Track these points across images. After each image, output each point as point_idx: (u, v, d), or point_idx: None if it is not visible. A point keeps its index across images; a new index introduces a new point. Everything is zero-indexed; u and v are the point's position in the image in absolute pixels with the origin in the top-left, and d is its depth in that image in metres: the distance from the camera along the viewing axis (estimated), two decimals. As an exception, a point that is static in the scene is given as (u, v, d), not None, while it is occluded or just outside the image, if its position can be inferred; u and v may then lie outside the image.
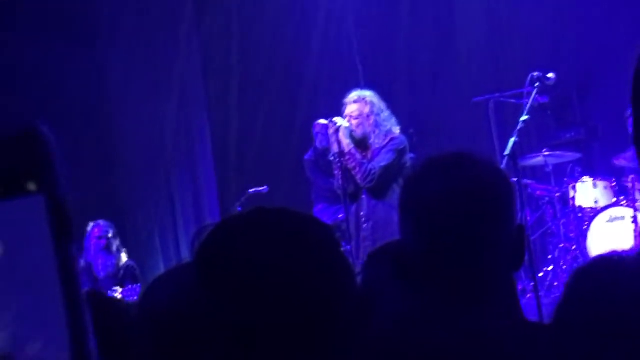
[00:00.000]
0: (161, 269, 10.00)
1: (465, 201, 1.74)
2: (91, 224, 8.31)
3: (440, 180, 1.77)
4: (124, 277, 8.27)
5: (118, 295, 7.95)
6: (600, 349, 1.74)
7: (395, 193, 6.14)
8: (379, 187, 6.19)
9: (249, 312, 1.44)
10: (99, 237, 8.26)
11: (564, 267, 8.37)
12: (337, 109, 6.59)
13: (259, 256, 1.46)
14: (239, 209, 8.53)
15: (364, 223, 6.23)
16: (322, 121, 6.43)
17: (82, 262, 8.29)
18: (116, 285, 8.14)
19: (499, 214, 1.77)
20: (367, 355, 1.68)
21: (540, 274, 8.12)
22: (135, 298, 8.01)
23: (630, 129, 8.95)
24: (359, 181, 6.21)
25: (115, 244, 8.33)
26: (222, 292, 1.44)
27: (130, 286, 8.05)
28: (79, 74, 9.53)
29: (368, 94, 6.45)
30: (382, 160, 6.17)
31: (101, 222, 8.32)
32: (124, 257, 8.39)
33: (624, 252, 2.11)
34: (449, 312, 1.76)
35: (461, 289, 1.76)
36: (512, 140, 5.87)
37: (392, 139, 6.26)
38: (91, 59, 9.75)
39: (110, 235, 8.29)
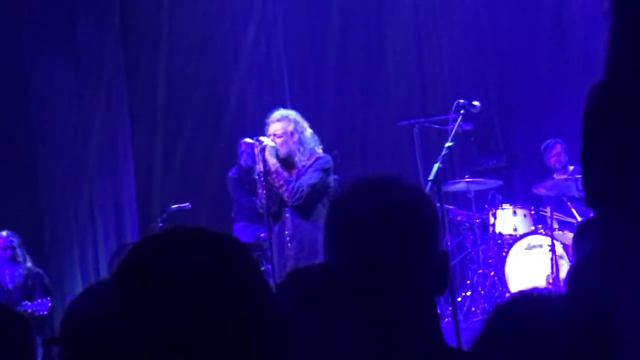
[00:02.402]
0: (78, 282, 9.86)
1: (391, 225, 1.74)
2: None
3: (366, 202, 1.76)
4: (32, 286, 8.13)
5: (28, 310, 7.80)
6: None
7: (319, 212, 6.15)
8: (305, 206, 6.18)
9: (167, 328, 1.43)
10: (4, 248, 8.15)
11: (482, 292, 8.46)
12: (262, 128, 6.57)
13: (177, 273, 1.46)
14: (160, 224, 8.46)
15: (289, 242, 6.21)
16: (248, 140, 6.41)
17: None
18: (25, 296, 7.99)
19: (425, 239, 1.78)
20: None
21: (459, 299, 8.19)
22: (46, 312, 7.88)
23: (551, 160, 9.14)
24: (286, 199, 6.20)
25: (21, 253, 8.22)
26: (140, 308, 1.43)
27: (40, 300, 7.91)
28: (1, 78, 9.38)
29: (291, 112, 6.47)
30: (310, 179, 6.18)
31: (4, 232, 8.21)
32: (30, 265, 8.25)
33: (543, 289, 2.15)
34: (370, 335, 1.75)
35: (383, 312, 1.75)
36: (436, 165, 5.93)
37: (317, 158, 6.27)
38: (15, 67, 9.59)
39: (15, 244, 8.17)
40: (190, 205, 8.66)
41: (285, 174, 6.21)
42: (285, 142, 6.28)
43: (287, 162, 6.29)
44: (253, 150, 6.40)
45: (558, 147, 9.12)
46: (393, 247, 1.73)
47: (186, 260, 1.46)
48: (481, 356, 1.99)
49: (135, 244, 1.54)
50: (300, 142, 6.28)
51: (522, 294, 2.16)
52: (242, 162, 6.80)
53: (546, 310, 2.03)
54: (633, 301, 1.24)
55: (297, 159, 6.28)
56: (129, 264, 1.49)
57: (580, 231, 3.26)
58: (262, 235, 7.33)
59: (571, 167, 8.99)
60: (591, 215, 7.80)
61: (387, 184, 1.80)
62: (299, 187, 6.14)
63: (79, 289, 9.61)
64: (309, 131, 6.35)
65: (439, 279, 1.80)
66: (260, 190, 6.36)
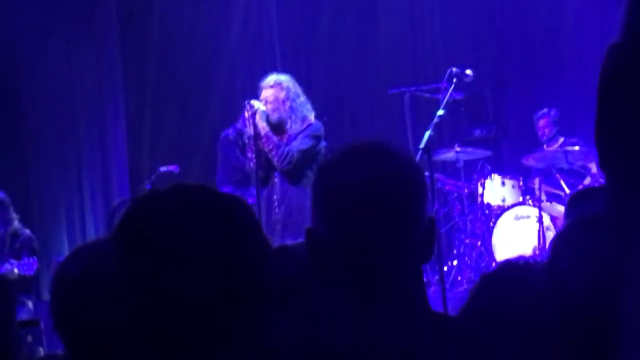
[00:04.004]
0: (64, 243, 9.84)
1: (379, 191, 1.73)
2: None
3: (355, 168, 1.75)
4: (20, 248, 8.10)
5: (15, 270, 7.79)
6: (500, 346, 1.76)
7: (308, 179, 6.14)
8: (294, 172, 6.17)
9: (167, 286, 1.42)
10: None
11: (469, 262, 8.50)
12: (254, 91, 6.54)
13: (179, 231, 1.44)
14: (148, 186, 8.44)
15: (277, 207, 6.21)
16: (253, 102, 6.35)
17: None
18: (12, 255, 7.97)
19: (412, 206, 1.77)
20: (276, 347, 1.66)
21: (445, 268, 8.21)
22: (32, 272, 7.87)
23: (539, 132, 9.14)
24: (275, 164, 6.18)
25: (11, 212, 8.17)
26: (141, 265, 1.42)
27: (27, 259, 7.90)
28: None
29: (284, 78, 6.42)
30: (300, 145, 6.16)
31: None
32: (17, 226, 8.21)
33: (530, 257, 2.16)
34: (355, 302, 1.74)
35: (370, 278, 1.74)
36: (428, 133, 5.91)
37: (309, 125, 6.25)
38: (3, 30, 9.51)
39: (5, 203, 8.13)
40: (178, 168, 8.64)
41: (275, 138, 6.19)
42: (276, 109, 6.25)
43: (278, 128, 6.26)
44: (243, 114, 6.38)
45: (545, 120, 9.11)
46: (380, 212, 1.72)
47: (188, 217, 1.44)
48: (467, 324, 2.00)
49: (134, 201, 1.52)
50: (292, 109, 6.25)
51: (508, 263, 2.17)
52: (239, 124, 6.77)
53: (532, 278, 2.04)
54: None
55: (288, 126, 6.26)
56: (128, 222, 1.47)
57: (572, 202, 3.26)
58: (249, 199, 7.32)
59: (561, 139, 9.00)
60: (582, 187, 7.84)
61: (376, 150, 1.79)
62: (288, 152, 6.13)
63: (65, 250, 9.62)
64: (302, 98, 6.32)
65: (425, 246, 1.79)
66: (249, 154, 6.34)
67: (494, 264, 8.20)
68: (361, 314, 1.72)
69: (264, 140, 6.20)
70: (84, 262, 1.89)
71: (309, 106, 6.37)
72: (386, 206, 1.72)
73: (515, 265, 2.14)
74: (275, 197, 6.24)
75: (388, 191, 1.73)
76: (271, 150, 6.17)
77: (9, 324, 2.30)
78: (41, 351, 7.58)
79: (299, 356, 1.68)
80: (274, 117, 6.26)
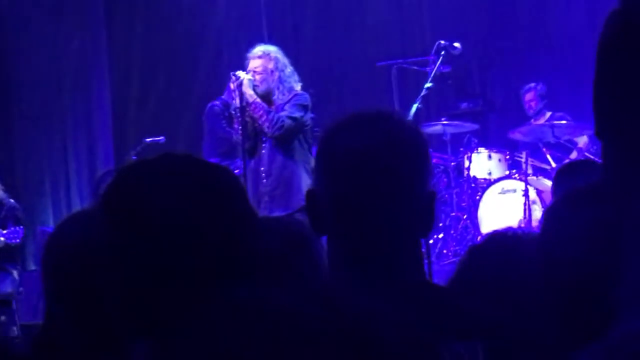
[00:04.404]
0: (49, 213, 9.82)
1: (381, 156, 1.73)
2: None
3: (359, 133, 1.75)
4: (5, 217, 8.07)
5: (1, 239, 7.77)
6: (489, 315, 1.76)
7: (296, 149, 6.13)
8: (283, 141, 6.14)
9: (153, 252, 1.44)
10: None
11: (455, 235, 8.51)
12: (240, 62, 6.51)
13: (165, 198, 1.46)
14: (134, 157, 8.41)
15: (264, 178, 6.19)
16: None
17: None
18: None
19: (413, 174, 1.77)
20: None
21: (431, 241, 8.22)
22: (18, 241, 7.85)
23: (525, 106, 9.14)
24: (266, 130, 6.13)
25: None
26: (129, 233, 1.43)
27: (12, 228, 7.87)
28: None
29: (272, 49, 6.39)
30: (289, 113, 6.13)
31: None
32: (1, 195, 8.18)
33: (517, 228, 2.17)
34: (351, 269, 1.74)
35: (365, 243, 1.74)
36: (415, 106, 5.91)
37: (295, 95, 6.22)
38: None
39: None
40: (164, 139, 8.62)
41: (264, 104, 6.17)
42: (264, 80, 6.22)
43: (265, 99, 6.23)
44: (229, 85, 6.36)
45: (532, 93, 9.12)
46: (379, 177, 1.73)
47: (176, 185, 1.46)
48: (458, 293, 2.01)
49: (121, 169, 1.52)
50: (280, 80, 6.22)
51: (497, 233, 2.18)
52: (225, 96, 6.74)
53: (520, 248, 2.05)
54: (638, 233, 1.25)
55: (275, 96, 6.23)
56: (115, 189, 1.47)
57: (560, 175, 3.27)
58: (235, 171, 7.29)
59: (548, 113, 9.01)
60: (568, 160, 7.86)
61: (382, 117, 1.79)
62: (279, 118, 6.09)
63: (50, 220, 9.60)
64: (289, 69, 6.29)
65: (424, 218, 1.79)
66: (236, 126, 6.32)
67: (479, 238, 8.22)
68: (352, 280, 1.72)
69: (252, 107, 6.16)
70: (77, 228, 1.90)
71: (296, 77, 6.35)
72: (386, 171, 1.72)
73: (503, 235, 2.15)
74: (262, 168, 6.22)
75: (389, 157, 1.73)
76: (261, 116, 6.13)
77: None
78: (15, 331, 7.58)
79: (280, 328, 1.67)
80: (262, 87, 6.23)
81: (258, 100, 6.17)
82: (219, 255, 1.45)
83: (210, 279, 1.44)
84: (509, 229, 2.19)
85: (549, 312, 1.79)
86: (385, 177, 1.72)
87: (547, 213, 1.90)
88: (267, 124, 6.11)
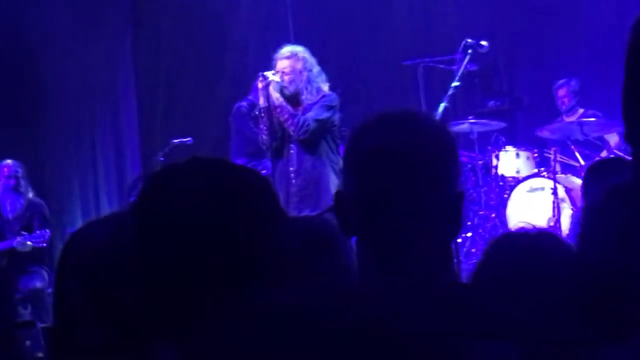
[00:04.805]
0: (78, 215, 9.88)
1: (412, 156, 1.72)
2: (1, 164, 8.18)
3: (387, 132, 1.75)
4: (31, 216, 8.12)
5: (28, 242, 7.81)
6: (522, 314, 1.75)
7: (324, 149, 6.13)
8: (310, 142, 6.14)
9: (185, 256, 1.45)
10: (8, 177, 8.14)
11: (483, 234, 8.47)
12: (267, 63, 6.51)
13: (196, 202, 1.47)
14: (162, 159, 8.44)
15: (293, 179, 6.19)
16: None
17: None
18: (24, 227, 7.99)
19: (441, 174, 1.76)
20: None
21: (459, 240, 8.19)
22: (45, 244, 7.90)
23: (558, 102, 9.07)
24: (292, 133, 6.15)
25: (24, 184, 8.20)
26: (159, 236, 1.43)
27: (39, 231, 7.91)
28: (4, 10, 9.31)
29: (300, 49, 6.40)
30: (316, 115, 6.14)
31: (9, 161, 8.20)
32: (30, 197, 8.25)
33: (538, 226, 2.17)
34: (380, 268, 1.73)
35: (393, 243, 1.73)
36: (443, 105, 5.89)
37: (324, 96, 6.23)
38: (18, 5, 9.50)
39: (19, 174, 8.16)
40: (192, 140, 8.64)
41: (289, 107, 6.17)
42: (293, 80, 6.23)
43: (293, 99, 6.24)
44: (257, 86, 6.37)
45: (565, 89, 9.04)
46: (407, 177, 1.71)
47: (203, 191, 1.46)
48: (487, 294, 1.99)
49: (153, 174, 1.53)
50: (309, 80, 6.23)
51: (516, 230, 2.18)
52: (252, 96, 6.75)
53: (537, 245, 2.05)
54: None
55: (304, 97, 6.24)
56: (147, 194, 1.48)
57: (591, 173, 3.24)
58: (263, 171, 7.30)
59: (581, 110, 8.92)
60: (598, 158, 7.79)
61: (412, 117, 1.79)
62: (305, 121, 6.10)
63: (79, 222, 9.65)
64: (316, 68, 6.30)
65: (453, 219, 1.77)
66: (262, 126, 6.33)
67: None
68: (382, 280, 1.71)
69: (278, 110, 6.18)
70: (106, 230, 1.90)
71: (323, 77, 6.35)
72: (414, 171, 1.71)
73: (523, 232, 2.16)
74: (291, 169, 6.22)
75: (417, 156, 1.72)
76: (287, 119, 6.15)
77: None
78: (40, 356, 7.63)
79: (302, 329, 1.67)
80: (291, 88, 6.24)
81: (284, 103, 6.18)
82: (249, 258, 1.46)
83: (240, 281, 1.45)
84: (528, 226, 2.19)
85: (582, 310, 1.78)
86: (414, 177, 1.71)
87: (587, 211, 1.89)
88: (292, 127, 6.12)
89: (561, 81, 9.08)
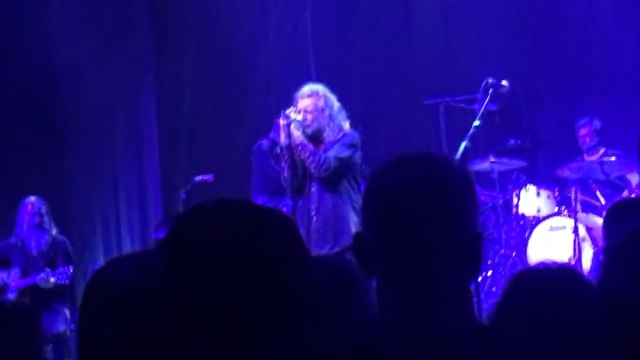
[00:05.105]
0: (100, 252, 9.91)
1: (431, 197, 1.74)
2: (25, 200, 8.24)
3: (405, 173, 1.77)
4: (55, 253, 8.17)
5: (51, 279, 7.84)
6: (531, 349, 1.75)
7: (345, 188, 6.16)
8: (331, 180, 6.17)
9: (210, 294, 1.46)
10: (32, 214, 8.17)
11: (503, 273, 8.45)
12: (288, 102, 6.56)
13: (223, 243, 1.48)
14: (184, 196, 8.48)
15: (314, 216, 6.21)
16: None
17: (14, 240, 8.20)
18: (48, 263, 8.04)
19: (462, 215, 1.77)
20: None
21: (479, 279, 8.17)
22: (67, 281, 7.93)
23: (579, 140, 9.05)
24: (313, 171, 6.19)
25: (48, 220, 8.26)
26: (187, 276, 1.45)
27: (62, 268, 7.96)
28: (29, 45, 9.41)
29: (320, 87, 6.45)
30: (338, 153, 6.17)
31: (33, 198, 8.24)
32: (54, 234, 8.30)
33: (559, 262, 2.16)
34: (400, 308, 1.75)
35: (412, 284, 1.74)
36: (464, 144, 5.91)
37: (345, 135, 6.27)
38: (42, 37, 9.60)
39: (43, 211, 8.21)
40: (213, 177, 8.67)
41: (310, 145, 6.21)
42: (315, 118, 6.27)
43: (315, 137, 6.28)
44: (278, 124, 6.40)
45: (587, 128, 9.02)
46: (425, 218, 1.73)
47: (229, 232, 1.48)
48: (499, 321, 2.00)
49: (181, 215, 1.56)
50: (331, 117, 6.27)
51: (536, 266, 2.18)
52: (274, 134, 6.79)
53: (558, 281, 2.05)
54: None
55: (325, 134, 6.28)
56: (176, 234, 1.51)
57: (612, 213, 3.24)
58: (283, 209, 7.32)
59: (602, 149, 8.89)
60: (619, 198, 7.77)
61: (428, 158, 1.80)
62: (325, 159, 6.14)
63: (101, 259, 9.69)
64: (337, 105, 6.34)
65: (472, 260, 1.78)
66: (283, 164, 6.36)
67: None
68: (401, 321, 1.72)
69: (299, 148, 6.22)
70: (131, 268, 1.92)
71: (344, 114, 6.40)
72: (432, 212, 1.73)
73: (544, 268, 2.16)
74: (312, 206, 6.25)
75: (435, 197, 1.73)
76: (307, 157, 6.18)
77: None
78: None
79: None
80: (314, 125, 6.28)
81: (305, 141, 6.22)
82: (276, 299, 1.47)
83: (267, 322, 1.46)
84: (549, 262, 2.19)
85: (605, 347, 1.78)
86: (432, 218, 1.73)
87: (611, 252, 1.90)
88: (314, 165, 6.15)
89: (583, 120, 9.06)
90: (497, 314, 2.14)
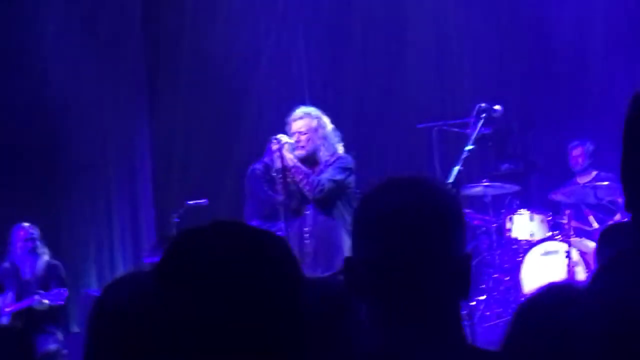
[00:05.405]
0: (93, 276, 9.89)
1: (414, 221, 1.75)
2: (17, 226, 8.26)
3: (393, 198, 1.78)
4: (49, 277, 8.18)
5: (45, 301, 7.85)
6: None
7: (339, 211, 6.17)
8: (325, 203, 6.18)
9: (207, 317, 1.46)
10: (25, 240, 8.19)
11: (497, 297, 8.45)
12: (282, 126, 6.58)
13: (219, 265, 1.48)
14: (177, 220, 8.48)
15: (307, 239, 6.22)
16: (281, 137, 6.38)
17: (8, 265, 8.21)
18: (41, 286, 8.04)
19: (447, 239, 1.78)
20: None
21: (473, 303, 8.17)
22: (62, 302, 7.93)
23: (571, 162, 9.08)
24: (307, 193, 6.20)
25: (40, 245, 8.28)
26: (182, 296, 1.46)
27: (56, 290, 7.96)
28: (23, 72, 9.43)
29: (312, 109, 6.49)
30: (331, 176, 6.18)
31: (26, 224, 8.27)
32: (46, 259, 8.31)
33: (575, 282, 2.15)
34: (389, 331, 1.76)
35: (403, 308, 1.76)
36: (457, 168, 5.92)
37: (339, 158, 6.28)
38: (36, 65, 9.63)
39: (35, 236, 8.25)
40: (207, 202, 8.68)
41: (304, 168, 6.22)
42: (310, 139, 6.29)
43: (310, 159, 6.29)
44: (271, 148, 6.42)
45: (579, 150, 9.06)
46: (413, 242, 1.74)
47: (225, 255, 1.48)
48: (512, 349, 1.98)
49: (176, 237, 1.56)
50: (325, 137, 6.29)
51: (552, 287, 2.16)
52: (267, 159, 6.81)
53: (577, 302, 2.03)
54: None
55: (321, 154, 6.29)
56: (171, 256, 1.51)
57: (604, 237, 3.25)
58: (277, 232, 7.30)
59: (594, 172, 8.93)
60: (612, 222, 7.79)
61: (415, 183, 1.82)
62: (319, 181, 6.15)
63: (94, 283, 9.67)
64: (330, 126, 6.37)
65: (461, 282, 1.80)
66: (278, 187, 6.37)
67: (522, 300, 8.15)
68: (392, 344, 1.73)
69: (293, 171, 6.23)
70: (128, 290, 1.93)
71: (337, 135, 6.42)
72: (418, 236, 1.74)
73: (560, 288, 2.12)
74: (306, 229, 6.25)
75: (422, 222, 1.75)
76: (301, 180, 6.19)
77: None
78: None
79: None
80: (309, 146, 6.28)
81: (298, 164, 6.23)
82: (273, 321, 1.47)
83: (265, 347, 1.46)
84: (565, 281, 2.17)
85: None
86: (417, 242, 1.74)
87: (596, 275, 1.89)
88: (307, 187, 6.16)
89: (576, 142, 9.10)
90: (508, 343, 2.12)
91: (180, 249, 1.51)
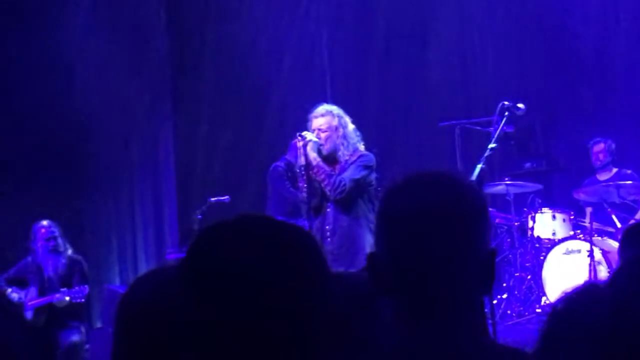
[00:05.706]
0: (116, 272, 9.94)
1: (443, 217, 1.75)
2: (37, 225, 8.27)
3: (417, 194, 1.78)
4: (72, 274, 8.20)
5: (66, 297, 7.89)
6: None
7: (360, 209, 6.16)
8: (346, 201, 6.18)
9: (233, 311, 1.45)
10: (47, 239, 8.20)
11: (518, 295, 8.43)
12: (304, 124, 6.58)
13: (245, 259, 1.47)
14: (199, 217, 8.49)
15: (329, 237, 6.22)
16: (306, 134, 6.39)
17: (31, 260, 8.24)
18: (64, 283, 8.08)
19: (472, 234, 1.78)
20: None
21: (494, 302, 8.15)
22: (83, 300, 7.97)
23: (592, 157, 9.05)
24: (328, 193, 6.20)
25: (62, 243, 8.29)
26: (208, 291, 1.45)
27: (77, 287, 7.99)
28: (49, 71, 9.49)
29: (334, 107, 6.47)
30: (353, 175, 6.18)
31: (45, 222, 8.26)
32: (70, 254, 8.34)
33: (600, 281, 2.13)
34: (414, 328, 1.76)
35: (428, 305, 1.76)
36: (479, 166, 5.90)
37: (360, 156, 6.27)
38: (60, 60, 9.67)
39: (56, 234, 8.25)
40: (229, 199, 8.69)
41: (326, 167, 6.22)
42: (329, 137, 6.28)
43: (330, 157, 6.29)
44: (295, 145, 6.42)
45: (601, 146, 9.04)
46: (438, 238, 1.74)
47: (251, 249, 1.47)
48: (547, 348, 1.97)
49: (201, 231, 1.55)
50: (345, 136, 6.28)
51: (585, 287, 2.14)
52: (288, 156, 6.81)
53: (609, 302, 2.01)
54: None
55: (340, 153, 6.28)
56: (197, 250, 1.50)
57: (627, 235, 3.24)
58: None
59: (615, 169, 8.92)
60: (634, 220, 7.75)
61: (440, 178, 1.81)
62: (340, 181, 6.14)
63: (116, 278, 9.72)
64: (351, 126, 6.36)
65: (485, 277, 1.79)
66: (301, 184, 6.37)
67: (543, 299, 8.13)
68: (415, 340, 1.74)
69: (315, 170, 6.23)
70: (154, 286, 1.92)
71: (358, 134, 6.41)
72: (442, 232, 1.74)
73: (593, 288, 2.11)
74: (327, 227, 6.25)
75: (447, 218, 1.74)
76: (323, 179, 6.19)
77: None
78: None
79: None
80: (328, 145, 6.28)
81: (321, 163, 6.23)
82: (301, 316, 1.46)
83: (293, 341, 1.46)
84: (596, 282, 2.15)
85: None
86: (442, 238, 1.74)
87: (617, 274, 1.89)
88: (329, 187, 6.16)
89: (598, 138, 9.08)
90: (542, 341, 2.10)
91: (206, 242, 1.50)
